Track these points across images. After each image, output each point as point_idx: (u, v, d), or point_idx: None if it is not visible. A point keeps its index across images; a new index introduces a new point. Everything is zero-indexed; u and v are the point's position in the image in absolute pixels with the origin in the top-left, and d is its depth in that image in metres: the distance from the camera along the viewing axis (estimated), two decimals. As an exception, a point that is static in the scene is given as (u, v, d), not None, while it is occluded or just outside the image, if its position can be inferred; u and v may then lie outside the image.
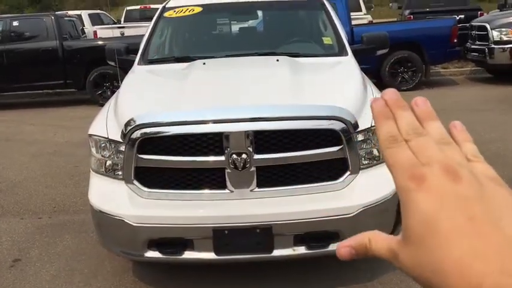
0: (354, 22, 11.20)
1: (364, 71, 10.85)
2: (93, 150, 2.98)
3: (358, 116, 2.79)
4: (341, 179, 2.75)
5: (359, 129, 2.74)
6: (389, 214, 2.86)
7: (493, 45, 9.51)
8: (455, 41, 9.72)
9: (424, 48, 9.66)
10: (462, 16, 12.25)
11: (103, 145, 2.91)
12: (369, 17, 13.62)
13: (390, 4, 20.07)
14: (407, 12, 13.71)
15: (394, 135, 0.43)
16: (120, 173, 2.83)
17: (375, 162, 2.85)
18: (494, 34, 9.52)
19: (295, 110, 2.73)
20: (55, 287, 3.25)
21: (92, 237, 3.89)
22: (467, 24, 10.89)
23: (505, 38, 9.43)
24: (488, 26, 9.65)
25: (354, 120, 2.73)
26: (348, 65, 3.63)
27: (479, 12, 12.54)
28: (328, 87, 3.21)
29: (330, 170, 2.76)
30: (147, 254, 2.78)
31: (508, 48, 9.36)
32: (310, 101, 2.86)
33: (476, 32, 10.13)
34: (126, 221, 2.72)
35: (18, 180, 5.53)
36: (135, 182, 2.78)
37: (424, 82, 9.96)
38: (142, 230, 2.71)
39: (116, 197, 2.82)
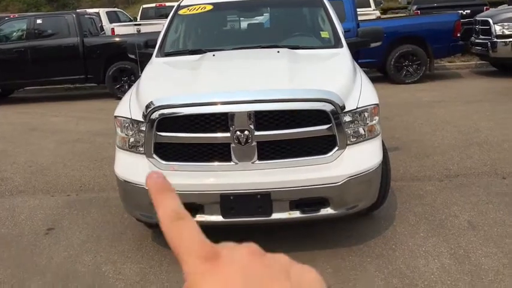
0: (362, 18, 11.58)
1: (370, 65, 11.23)
2: (118, 129, 3.47)
3: (346, 99, 3.23)
4: (330, 153, 3.20)
5: (346, 110, 3.19)
6: (372, 184, 3.32)
7: (495, 39, 9.81)
8: (458, 35, 10.05)
9: (428, 43, 10.01)
10: (468, 11, 12.55)
11: (127, 125, 3.40)
12: (377, 13, 13.97)
13: (399, 0, 20.33)
14: (414, 7, 14.03)
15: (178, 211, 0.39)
16: (141, 148, 3.32)
17: (360, 139, 3.29)
18: (497, 28, 9.82)
19: (291, 93, 3.19)
20: (85, 249, 3.76)
21: (115, 210, 4.39)
22: (473, 19, 11.19)
23: (507, 32, 9.73)
24: (491, 21, 9.95)
25: (342, 103, 3.17)
26: (341, 56, 4.07)
27: (484, 7, 12.80)
28: (321, 74, 3.67)
29: (320, 146, 3.21)
30: (164, 217, 3.25)
31: (509, 42, 9.66)
32: (304, 85, 3.31)
33: (480, 27, 10.44)
34: (146, 188, 3.20)
35: (46, 164, 6.07)
36: (155, 155, 3.26)
37: (428, 75, 10.31)
38: (160, 196, 3.18)
39: (138, 169, 3.30)
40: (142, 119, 3.25)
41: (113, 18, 16.75)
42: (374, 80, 4.36)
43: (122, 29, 14.74)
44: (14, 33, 11.07)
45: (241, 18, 5.33)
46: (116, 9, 19.98)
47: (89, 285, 3.25)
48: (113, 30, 14.66)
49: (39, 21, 10.83)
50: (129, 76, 10.46)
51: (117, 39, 11.13)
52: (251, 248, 0.39)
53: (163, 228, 0.39)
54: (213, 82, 3.52)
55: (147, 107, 3.22)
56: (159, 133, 3.21)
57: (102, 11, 16.49)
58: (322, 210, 3.20)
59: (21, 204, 4.77)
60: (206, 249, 0.38)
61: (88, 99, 10.97)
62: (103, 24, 13.89)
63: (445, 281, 3.03)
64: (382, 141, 3.52)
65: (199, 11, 4.83)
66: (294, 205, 3.18)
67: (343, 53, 4.12)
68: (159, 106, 3.18)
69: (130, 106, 3.45)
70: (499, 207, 3.97)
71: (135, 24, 15.91)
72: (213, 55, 4.12)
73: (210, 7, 4.83)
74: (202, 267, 0.37)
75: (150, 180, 0.41)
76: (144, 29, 14.33)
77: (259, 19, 5.28)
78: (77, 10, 12.89)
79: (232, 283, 0.36)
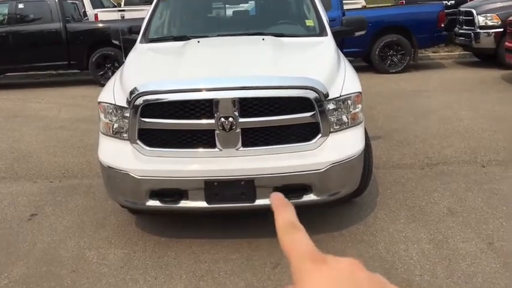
0: (348, 7, 11.59)
1: (355, 54, 11.24)
2: (102, 115, 3.46)
3: (329, 87, 3.26)
4: (313, 140, 3.24)
5: (329, 98, 3.22)
6: (355, 170, 3.36)
7: (478, 30, 9.92)
8: (442, 25, 10.14)
9: (413, 33, 10.08)
10: (452, 1, 12.64)
11: (110, 111, 3.38)
12: (363, 2, 13.98)
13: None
14: (400, -3, 14.09)
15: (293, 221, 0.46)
16: (125, 134, 3.31)
17: (343, 127, 3.33)
18: (480, 19, 9.92)
19: (275, 81, 3.21)
20: (68, 235, 3.76)
21: (99, 196, 4.39)
22: (457, 10, 11.28)
23: (489, 23, 9.83)
24: (474, 11, 10.05)
25: (326, 91, 3.20)
26: (326, 44, 4.09)
27: (469, -2, 12.89)
28: (305, 62, 3.69)
29: (304, 133, 3.24)
30: (148, 203, 3.27)
31: (492, 32, 9.77)
32: (288, 73, 3.33)
33: (464, 17, 10.53)
34: (131, 174, 3.21)
35: (29, 150, 6.01)
36: (139, 141, 3.26)
37: (412, 65, 10.41)
38: (145, 182, 3.20)
39: (122, 155, 3.30)
40: (126, 105, 3.24)
41: (96, 3, 16.44)
42: (359, 69, 4.41)
43: (106, 15, 14.51)
44: (-5, 18, 10.86)
45: (226, 5, 5.31)
46: (99, -6, 19.63)
47: (72, 271, 3.26)
48: (96, 16, 14.42)
49: (20, 5, 10.63)
50: (112, 63, 10.35)
51: (100, 25, 11.00)
52: (354, 261, 0.44)
53: (280, 234, 0.45)
54: (198, 68, 3.52)
55: (131, 93, 3.21)
56: (143, 119, 3.21)
57: (86, -4, 16.21)
58: (305, 196, 3.24)
59: (4, 190, 4.74)
60: (315, 254, 0.43)
61: (71, 86, 10.84)
62: (86, 10, 13.68)
63: (424, 265, 3.10)
64: (365, 129, 3.56)
65: (184, -4, 4.80)
66: (278, 191, 3.20)
67: (328, 42, 4.14)
68: (143, 92, 3.18)
69: (114, 92, 3.44)
70: (478, 194, 4.07)
71: (119, 10, 15.69)
72: (198, 42, 4.11)
73: (195, -7, 4.81)
74: (311, 266, 0.42)
75: (273, 197, 0.49)
76: (128, 15, 14.15)
77: (244, 6, 5.27)
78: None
79: (337, 280, 0.41)
